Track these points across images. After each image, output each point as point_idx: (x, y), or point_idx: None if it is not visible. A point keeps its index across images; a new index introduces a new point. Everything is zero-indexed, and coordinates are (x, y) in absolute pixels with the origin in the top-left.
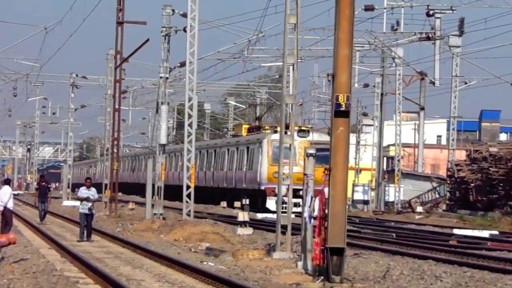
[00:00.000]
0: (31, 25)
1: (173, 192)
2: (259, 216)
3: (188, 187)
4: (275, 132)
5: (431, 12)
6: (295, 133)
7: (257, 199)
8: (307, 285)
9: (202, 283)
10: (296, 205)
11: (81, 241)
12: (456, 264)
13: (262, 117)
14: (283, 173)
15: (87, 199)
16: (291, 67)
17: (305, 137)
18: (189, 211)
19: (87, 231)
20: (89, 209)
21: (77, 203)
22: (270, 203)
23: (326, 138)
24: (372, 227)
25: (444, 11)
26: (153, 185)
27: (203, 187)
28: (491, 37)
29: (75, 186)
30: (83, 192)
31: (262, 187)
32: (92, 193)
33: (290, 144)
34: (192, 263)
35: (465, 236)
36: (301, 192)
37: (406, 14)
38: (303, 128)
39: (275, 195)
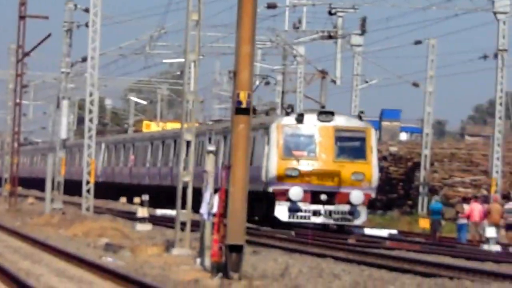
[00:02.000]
0: None
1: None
2: (159, 212)
3: (87, 182)
4: (287, 114)
5: (333, 10)
6: (315, 116)
7: (260, 204)
8: (205, 282)
9: (100, 279)
10: (315, 213)
11: None
12: (355, 262)
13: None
14: (298, 170)
15: None
16: (192, 63)
17: (328, 121)
18: (89, 206)
19: None
20: None
21: None
22: (280, 210)
23: (356, 123)
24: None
25: (346, 10)
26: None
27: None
28: (393, 37)
29: None
30: None
31: (270, 189)
32: None
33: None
34: (91, 259)
35: (364, 235)
36: (322, 197)
37: (308, 12)
38: (325, 110)
39: (287, 199)
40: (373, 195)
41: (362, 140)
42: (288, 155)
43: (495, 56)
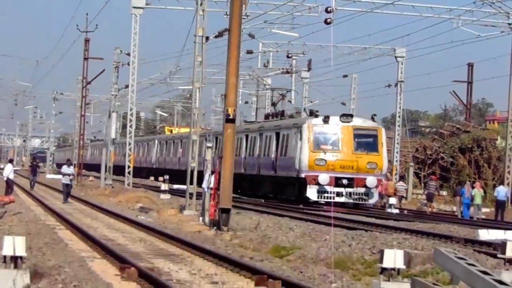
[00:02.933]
0: (26, 58)
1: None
2: (175, 186)
3: (128, 166)
4: (316, 116)
5: (290, 55)
6: (338, 118)
7: (292, 187)
8: (205, 233)
9: (137, 230)
10: (338, 194)
11: (65, 203)
12: (303, 220)
13: (276, 103)
14: (325, 160)
15: (68, 174)
16: (197, 89)
17: (348, 122)
18: (129, 182)
19: (66, 198)
20: (70, 180)
21: (57, 176)
22: (311, 192)
23: (370, 123)
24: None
25: (298, 55)
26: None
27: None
28: (329, 72)
29: (58, 165)
30: (65, 169)
31: (302, 175)
32: (71, 170)
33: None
34: (130, 217)
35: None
36: (344, 181)
37: (273, 56)
38: (346, 113)
39: (317, 183)
40: (383, 180)
41: (375, 137)
42: (317, 148)
43: (396, 85)
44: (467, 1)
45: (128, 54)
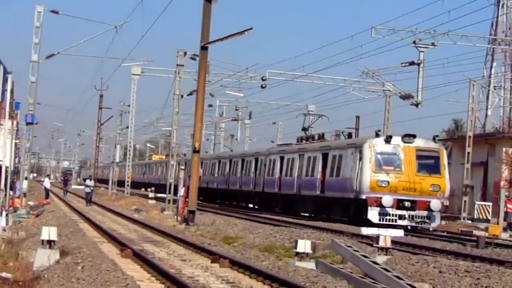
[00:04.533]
0: (60, 105)
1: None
2: (159, 195)
3: (127, 181)
4: (377, 136)
5: (237, 108)
6: (400, 138)
7: (349, 208)
8: (178, 227)
9: (132, 224)
10: (401, 217)
11: (88, 205)
12: (243, 219)
13: (308, 128)
14: (387, 181)
15: (89, 186)
16: (175, 130)
17: (411, 142)
18: (128, 192)
19: (89, 201)
20: (91, 190)
21: (81, 187)
22: (372, 214)
23: (432, 145)
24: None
25: (243, 108)
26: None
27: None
28: (263, 120)
29: (84, 179)
30: (88, 182)
31: (363, 196)
32: (92, 183)
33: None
34: (128, 215)
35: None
36: (406, 204)
37: (227, 109)
38: (409, 133)
39: (378, 205)
40: (446, 203)
41: (437, 158)
42: (379, 169)
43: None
44: (356, 73)
45: (129, 106)
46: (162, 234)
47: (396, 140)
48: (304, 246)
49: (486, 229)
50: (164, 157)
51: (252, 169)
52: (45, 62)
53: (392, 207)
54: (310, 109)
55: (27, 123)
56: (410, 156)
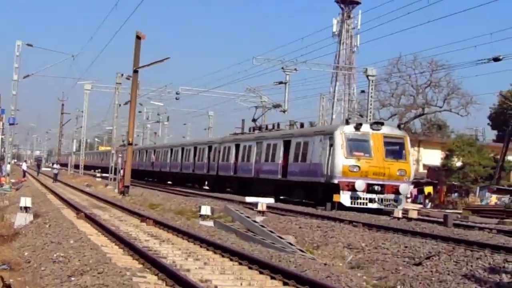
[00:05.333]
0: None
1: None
2: (104, 174)
3: (81, 165)
4: (347, 123)
5: (159, 114)
6: (369, 126)
7: (316, 192)
8: (117, 197)
9: (84, 194)
10: (371, 200)
11: (54, 182)
12: (164, 191)
13: (256, 119)
14: (358, 166)
15: (56, 168)
16: (115, 129)
17: (378, 130)
18: (82, 172)
19: (55, 179)
20: (57, 171)
21: (49, 169)
22: (344, 198)
23: (397, 132)
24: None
25: (163, 114)
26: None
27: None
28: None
29: (52, 163)
30: (55, 165)
31: (335, 181)
32: (58, 166)
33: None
34: (82, 188)
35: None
36: (376, 188)
37: (151, 114)
38: (377, 121)
39: (350, 189)
40: (411, 187)
41: (402, 144)
42: (350, 155)
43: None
44: (242, 89)
45: (82, 111)
46: (106, 202)
47: (365, 127)
48: (206, 210)
49: None
50: (108, 148)
51: (206, 155)
52: (22, 81)
53: (363, 191)
54: (210, 114)
55: (10, 124)
56: (379, 142)
